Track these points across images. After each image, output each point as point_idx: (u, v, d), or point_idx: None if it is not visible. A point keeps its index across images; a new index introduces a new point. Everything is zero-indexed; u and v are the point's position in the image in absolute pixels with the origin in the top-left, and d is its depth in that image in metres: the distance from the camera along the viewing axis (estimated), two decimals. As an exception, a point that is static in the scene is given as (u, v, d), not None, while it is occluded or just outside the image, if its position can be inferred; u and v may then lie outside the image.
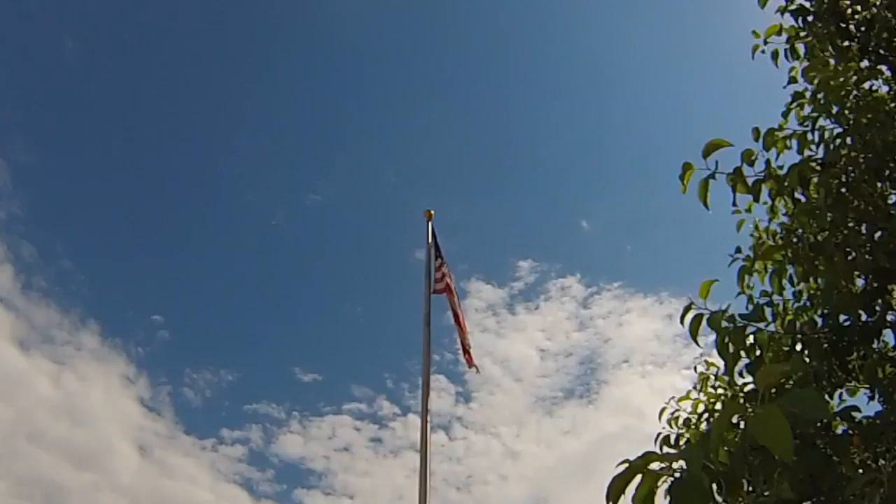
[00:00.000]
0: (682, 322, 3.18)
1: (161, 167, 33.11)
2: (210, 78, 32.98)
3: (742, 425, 2.17)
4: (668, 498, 1.80)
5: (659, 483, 1.81)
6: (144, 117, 32.36)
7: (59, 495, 25.91)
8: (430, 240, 10.72)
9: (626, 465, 1.82)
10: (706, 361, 4.61)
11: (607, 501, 1.77)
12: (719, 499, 2.11)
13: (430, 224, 10.94)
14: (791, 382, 3.15)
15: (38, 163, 29.52)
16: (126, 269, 32.49)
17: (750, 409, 1.78)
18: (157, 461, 28.15)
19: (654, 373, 30.84)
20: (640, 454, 1.83)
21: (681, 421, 4.47)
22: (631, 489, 1.81)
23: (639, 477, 1.80)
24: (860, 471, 2.72)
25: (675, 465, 1.82)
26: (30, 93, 30.14)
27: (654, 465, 1.81)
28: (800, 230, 3.70)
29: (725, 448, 1.93)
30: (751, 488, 3.04)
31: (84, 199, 31.66)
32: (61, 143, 31.31)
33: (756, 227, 4.10)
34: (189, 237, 33.43)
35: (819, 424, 2.74)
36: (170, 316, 29.75)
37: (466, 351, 10.04)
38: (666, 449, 4.20)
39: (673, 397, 4.55)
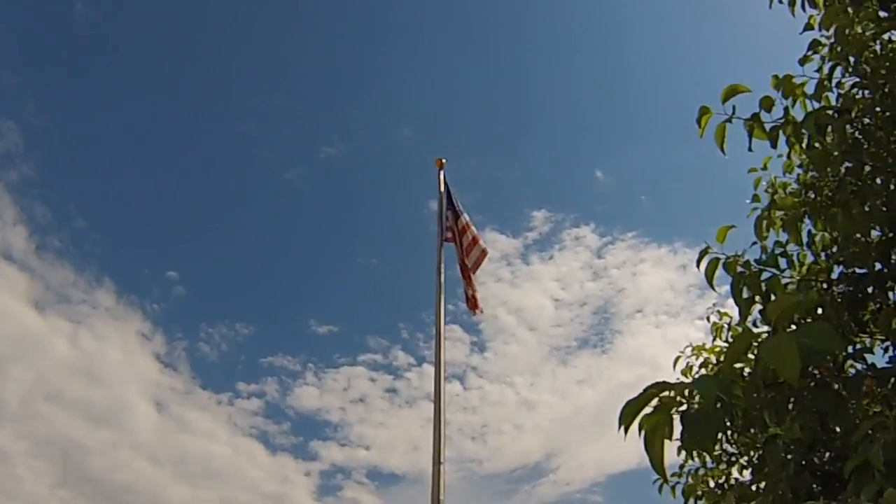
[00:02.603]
0: (697, 266, 3.19)
1: (174, 124, 33.20)
2: (223, 33, 32.90)
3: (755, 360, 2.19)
4: (681, 426, 1.82)
5: (671, 412, 1.82)
6: (156, 75, 32.47)
7: (78, 453, 26.42)
8: (441, 189, 10.68)
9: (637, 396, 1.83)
10: (719, 312, 4.61)
11: (619, 426, 1.79)
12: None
13: (441, 173, 10.89)
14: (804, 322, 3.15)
15: (50, 125, 29.71)
16: (140, 226, 32.76)
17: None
18: (174, 417, 28.58)
19: (668, 323, 30.92)
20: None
21: (694, 371, 4.48)
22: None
23: (650, 406, 1.82)
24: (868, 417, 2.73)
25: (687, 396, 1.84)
26: (41, 56, 30.16)
27: (665, 395, 1.83)
28: (815, 181, 3.67)
29: (739, 381, 1.95)
30: (760, 431, 3.06)
31: (97, 160, 31.87)
32: (73, 105, 31.41)
33: (773, 182, 4.08)
34: (203, 192, 33.63)
35: (832, 365, 2.75)
36: (185, 272, 30.03)
37: (469, 297, 10.03)
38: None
39: (689, 345, 4.57)
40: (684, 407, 1.83)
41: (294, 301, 33.92)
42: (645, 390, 1.83)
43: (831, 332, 1.87)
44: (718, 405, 1.88)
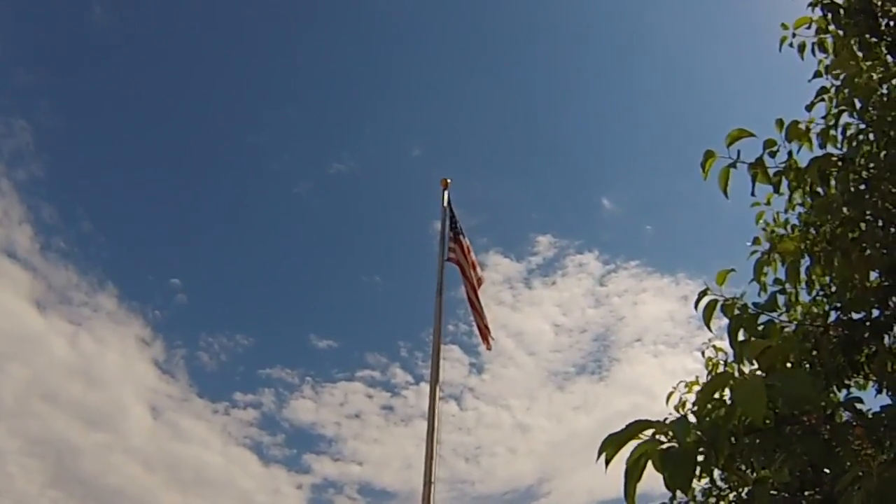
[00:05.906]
0: (696, 307, 3.21)
1: (185, 134, 33.50)
2: (237, 47, 33.29)
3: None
4: (660, 465, 1.86)
5: (650, 450, 1.87)
6: (169, 84, 32.74)
7: (71, 454, 26.46)
8: (445, 207, 10.69)
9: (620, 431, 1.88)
10: (714, 347, 4.62)
11: (598, 455, 1.84)
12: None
13: (445, 193, 10.92)
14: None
15: (62, 126, 30.08)
16: (146, 232, 32.94)
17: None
18: (169, 423, 28.65)
19: (667, 353, 30.97)
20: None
21: (687, 406, 4.49)
22: (623, 455, 1.88)
23: (632, 443, 1.87)
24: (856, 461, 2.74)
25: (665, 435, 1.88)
26: (56, 57, 30.56)
27: (647, 433, 1.87)
28: (817, 223, 3.70)
29: (708, 419, 1.99)
30: (750, 469, 3.08)
31: (106, 163, 32.10)
32: (85, 107, 31.69)
33: (776, 219, 4.11)
34: (211, 203, 33.84)
35: (826, 413, 2.77)
36: (188, 280, 30.30)
37: (481, 329, 10.00)
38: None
39: (681, 381, 4.58)
40: (666, 445, 1.88)
41: (295, 314, 34.15)
42: (628, 426, 1.88)
43: (807, 379, 1.93)
44: (699, 448, 1.92)
